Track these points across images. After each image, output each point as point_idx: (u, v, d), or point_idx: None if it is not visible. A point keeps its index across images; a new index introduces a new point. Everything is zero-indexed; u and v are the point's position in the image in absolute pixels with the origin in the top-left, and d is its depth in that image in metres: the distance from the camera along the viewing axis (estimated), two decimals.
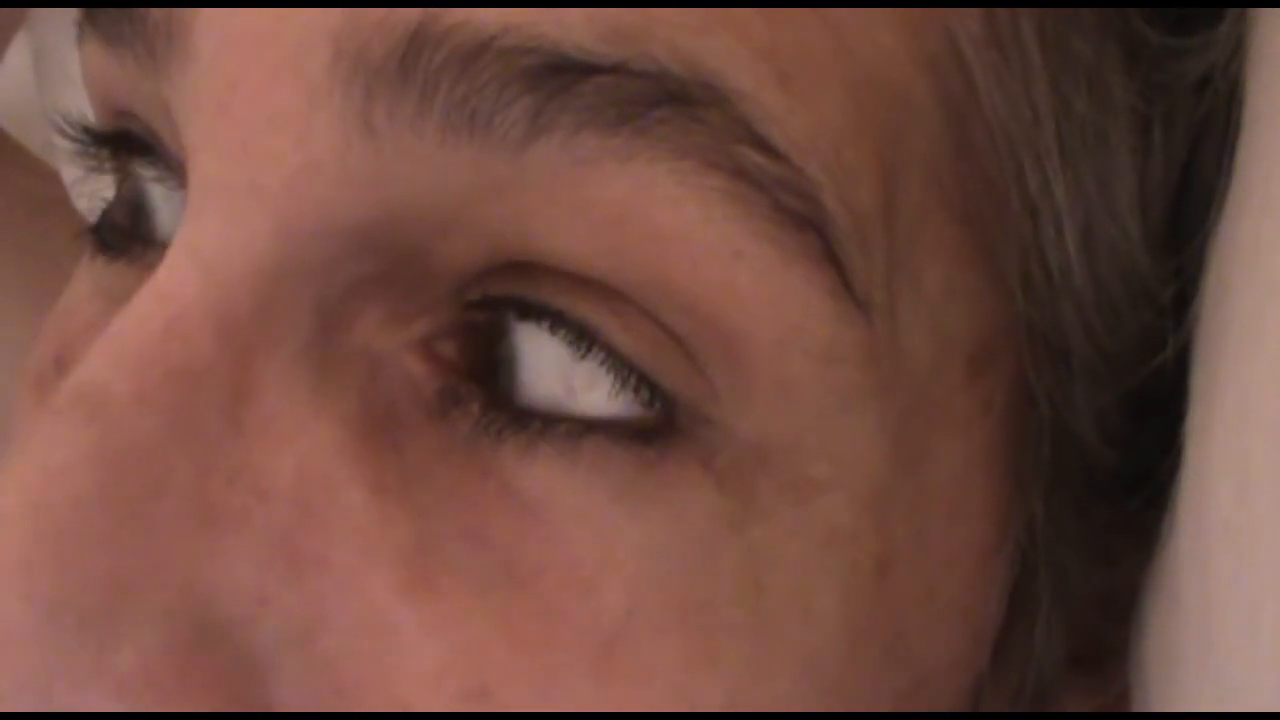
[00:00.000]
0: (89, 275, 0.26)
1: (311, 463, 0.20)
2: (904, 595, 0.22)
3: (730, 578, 0.21)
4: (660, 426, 0.21)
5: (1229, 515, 0.20)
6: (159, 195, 0.25)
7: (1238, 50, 0.23)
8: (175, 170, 0.24)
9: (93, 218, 0.27)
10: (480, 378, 0.21)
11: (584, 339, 0.20)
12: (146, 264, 0.25)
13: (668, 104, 0.19)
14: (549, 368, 0.21)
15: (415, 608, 0.20)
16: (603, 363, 0.20)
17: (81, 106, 0.26)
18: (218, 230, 0.20)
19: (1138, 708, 0.24)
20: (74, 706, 0.19)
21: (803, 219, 0.20)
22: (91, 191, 0.27)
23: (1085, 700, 0.26)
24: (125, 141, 0.25)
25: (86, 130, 0.26)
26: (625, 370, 0.20)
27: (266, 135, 0.20)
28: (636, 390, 0.20)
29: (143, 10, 0.22)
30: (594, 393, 0.21)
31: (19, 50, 0.45)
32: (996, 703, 0.25)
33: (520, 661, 0.20)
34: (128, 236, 0.25)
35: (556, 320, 0.21)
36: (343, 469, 0.20)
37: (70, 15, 0.26)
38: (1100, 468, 0.24)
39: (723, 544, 0.21)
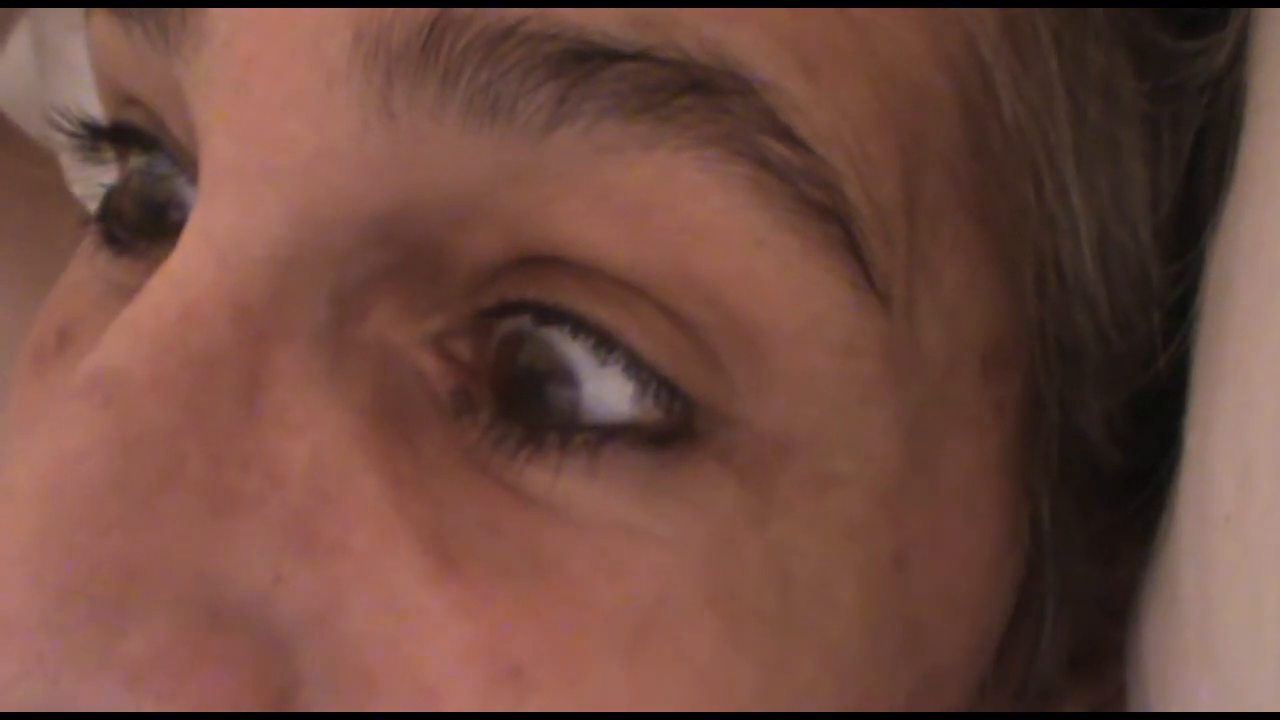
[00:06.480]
0: (91, 266, 0.26)
1: (326, 449, 0.20)
2: (920, 591, 0.22)
3: (756, 568, 0.21)
4: (678, 429, 0.20)
5: (1231, 507, 0.20)
6: (169, 189, 0.25)
7: (1240, 50, 0.23)
8: (181, 161, 0.24)
9: (91, 204, 0.27)
10: (495, 382, 0.21)
11: (605, 344, 0.20)
12: (154, 259, 0.24)
13: (692, 92, 0.19)
14: (567, 374, 0.21)
15: (440, 590, 0.20)
16: (625, 369, 0.20)
17: (83, 93, 0.26)
18: (232, 215, 0.20)
19: (1134, 706, 0.24)
20: (81, 694, 0.19)
21: (826, 210, 0.20)
22: (87, 176, 0.27)
23: (1081, 700, 0.26)
24: (126, 135, 0.25)
25: (85, 125, 0.26)
26: (646, 374, 0.20)
27: (282, 117, 0.20)
28: (656, 395, 0.20)
29: None
30: (612, 398, 0.20)
31: (19, 39, 0.45)
32: (998, 703, 0.25)
33: (550, 643, 0.20)
34: (135, 231, 0.25)
35: (577, 325, 0.20)
36: (357, 456, 0.20)
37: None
38: (1105, 469, 0.24)
39: (746, 536, 0.21)
